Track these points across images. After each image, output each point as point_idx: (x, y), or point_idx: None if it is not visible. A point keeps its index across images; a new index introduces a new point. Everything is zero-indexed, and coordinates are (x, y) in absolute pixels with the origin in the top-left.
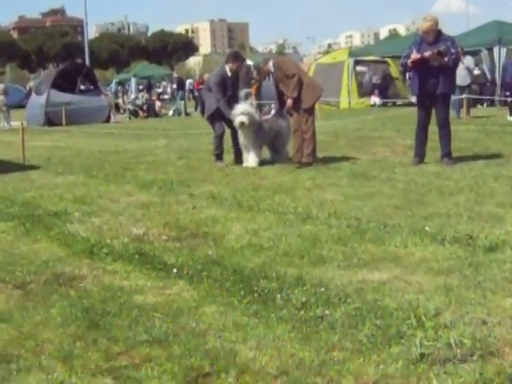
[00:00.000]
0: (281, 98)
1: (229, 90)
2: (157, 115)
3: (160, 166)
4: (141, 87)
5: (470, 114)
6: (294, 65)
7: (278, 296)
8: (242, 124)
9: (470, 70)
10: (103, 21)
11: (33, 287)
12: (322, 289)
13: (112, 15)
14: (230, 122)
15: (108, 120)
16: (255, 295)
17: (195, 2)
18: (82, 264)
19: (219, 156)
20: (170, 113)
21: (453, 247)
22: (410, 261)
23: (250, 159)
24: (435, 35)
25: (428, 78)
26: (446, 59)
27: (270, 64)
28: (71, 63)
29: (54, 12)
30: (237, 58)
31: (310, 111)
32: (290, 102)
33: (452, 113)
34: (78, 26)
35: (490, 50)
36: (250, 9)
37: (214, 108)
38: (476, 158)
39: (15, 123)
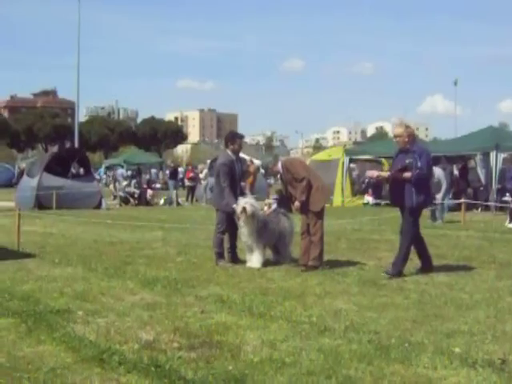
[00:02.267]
0: (289, 199)
1: (236, 173)
2: (148, 203)
3: (160, 262)
4: (129, 173)
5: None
6: (303, 167)
7: None
8: (243, 210)
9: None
10: (93, 104)
11: None
12: None
13: (102, 99)
14: (233, 222)
15: (99, 206)
16: None
17: (185, 91)
18: (93, 373)
19: (221, 255)
20: (161, 202)
21: (486, 372)
22: None
23: (254, 260)
24: (407, 144)
25: (396, 191)
26: (409, 174)
27: (279, 165)
28: (66, 148)
29: (45, 93)
30: (234, 137)
31: (319, 214)
32: (297, 204)
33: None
34: (68, 108)
35: (486, 154)
36: (239, 100)
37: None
38: (485, 267)
39: (4, 203)
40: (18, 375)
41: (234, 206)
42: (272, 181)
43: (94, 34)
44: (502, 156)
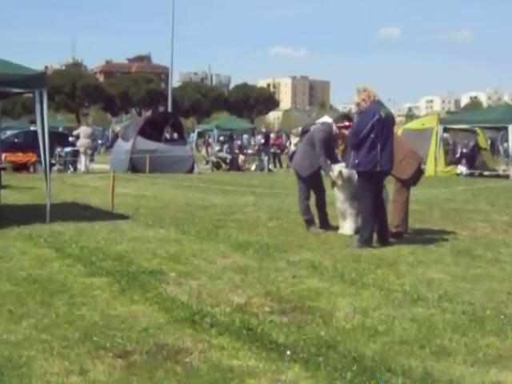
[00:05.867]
0: None
1: (332, 145)
2: (239, 169)
3: (252, 226)
4: (222, 139)
5: None
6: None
7: None
8: (340, 174)
9: None
10: (187, 70)
11: (136, 358)
12: None
13: (196, 65)
14: (319, 188)
15: (191, 170)
16: None
17: (278, 58)
18: (185, 334)
19: (311, 221)
20: (253, 168)
21: None
22: None
23: (347, 227)
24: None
25: None
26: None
27: None
28: (160, 112)
29: (140, 58)
30: (349, 121)
31: (405, 182)
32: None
33: None
34: (162, 74)
35: None
36: (333, 67)
37: (316, 167)
38: None
39: (99, 166)
40: (112, 333)
41: (331, 172)
42: None
43: (188, 0)
44: None
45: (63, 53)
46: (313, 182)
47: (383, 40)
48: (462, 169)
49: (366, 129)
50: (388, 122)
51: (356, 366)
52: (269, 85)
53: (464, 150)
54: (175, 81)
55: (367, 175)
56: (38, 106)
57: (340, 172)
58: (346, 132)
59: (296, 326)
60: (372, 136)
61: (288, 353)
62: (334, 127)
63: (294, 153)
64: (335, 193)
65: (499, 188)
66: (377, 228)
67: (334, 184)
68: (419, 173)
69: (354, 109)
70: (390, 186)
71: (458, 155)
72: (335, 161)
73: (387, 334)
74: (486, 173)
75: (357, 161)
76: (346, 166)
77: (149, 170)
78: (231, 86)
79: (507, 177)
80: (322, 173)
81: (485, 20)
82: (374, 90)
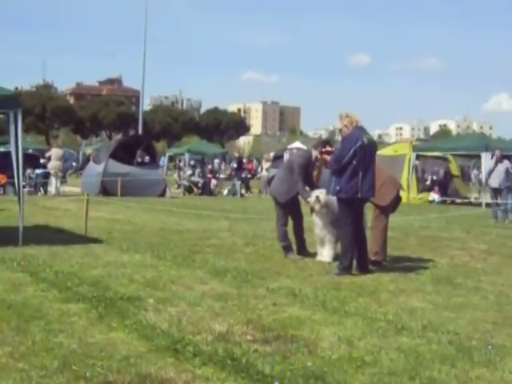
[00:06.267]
0: None
1: (309, 171)
2: (211, 193)
3: (228, 252)
4: (192, 163)
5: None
6: None
7: None
8: (317, 199)
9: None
10: (157, 93)
11: None
12: None
13: (166, 89)
14: (297, 214)
15: (163, 194)
16: None
17: (250, 83)
18: (167, 364)
19: (288, 248)
20: (225, 192)
21: None
22: None
23: (325, 253)
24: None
25: None
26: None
27: None
28: (132, 135)
29: (111, 81)
30: (326, 150)
31: (383, 209)
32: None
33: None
34: (133, 97)
35: None
36: (303, 93)
37: (294, 193)
38: None
39: (70, 189)
40: (92, 362)
41: (309, 198)
42: None
43: (160, 24)
44: None
45: (34, 74)
46: (291, 208)
47: (354, 67)
48: (434, 196)
49: (348, 155)
50: (370, 148)
51: None
52: (239, 110)
53: (434, 178)
54: (146, 104)
55: (348, 202)
56: (12, 127)
57: (317, 197)
58: (329, 157)
59: (281, 356)
60: (354, 162)
61: None
62: (315, 153)
63: (272, 178)
64: (314, 219)
65: (473, 216)
66: (356, 255)
67: (312, 210)
68: (398, 200)
69: (324, 135)
70: (369, 213)
71: (428, 182)
72: (313, 187)
73: (375, 365)
74: (458, 200)
75: (338, 187)
76: (327, 193)
77: (120, 193)
78: (202, 110)
79: (479, 204)
80: (300, 199)
81: (453, 48)
82: (356, 115)
